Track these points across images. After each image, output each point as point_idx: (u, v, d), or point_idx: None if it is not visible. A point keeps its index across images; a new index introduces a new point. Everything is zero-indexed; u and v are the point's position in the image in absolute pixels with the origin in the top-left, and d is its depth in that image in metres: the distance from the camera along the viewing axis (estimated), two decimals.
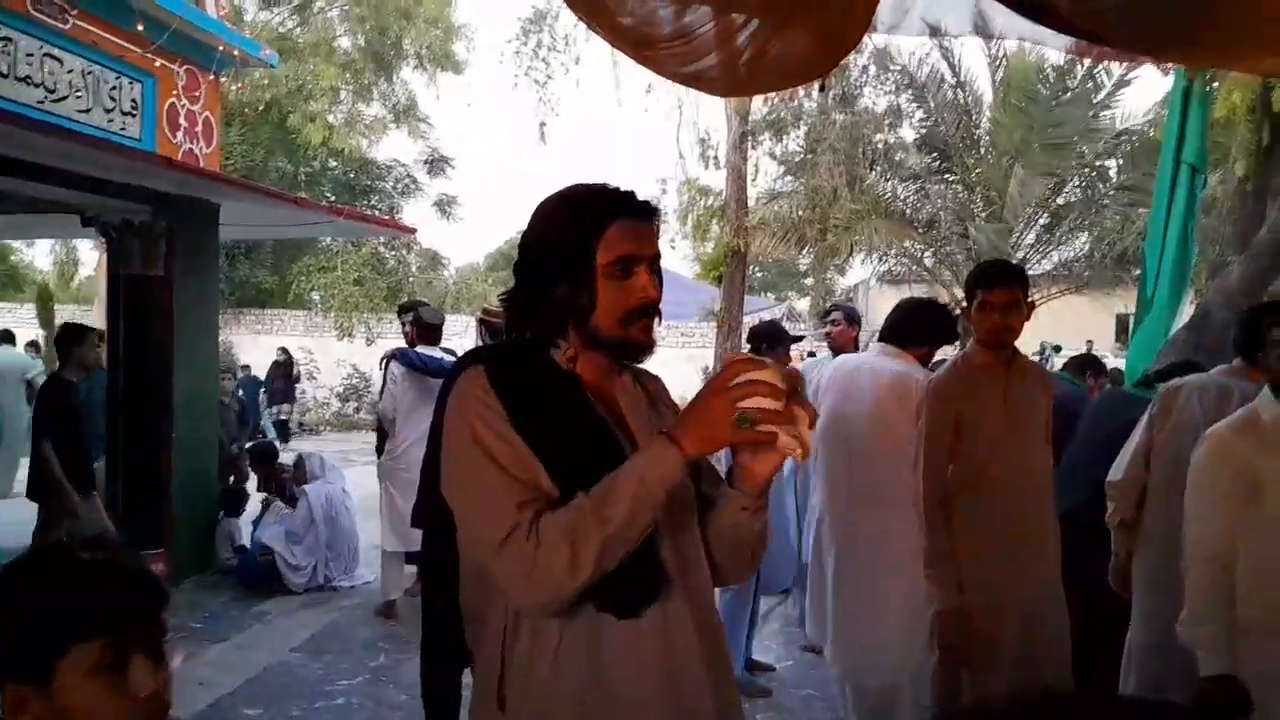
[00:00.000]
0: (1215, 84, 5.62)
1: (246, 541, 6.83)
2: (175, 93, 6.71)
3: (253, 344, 19.09)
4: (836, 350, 5.28)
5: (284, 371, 16.53)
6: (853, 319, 5.39)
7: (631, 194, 1.50)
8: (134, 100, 6.36)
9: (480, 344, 4.67)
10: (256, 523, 6.89)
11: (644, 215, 1.49)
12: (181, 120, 6.77)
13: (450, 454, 1.44)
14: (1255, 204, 5.97)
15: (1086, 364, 5.50)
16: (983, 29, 3.43)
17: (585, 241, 1.44)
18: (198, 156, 6.92)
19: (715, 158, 15.20)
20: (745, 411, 1.28)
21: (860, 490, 3.60)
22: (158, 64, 6.40)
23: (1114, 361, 5.64)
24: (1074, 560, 3.10)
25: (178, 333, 6.40)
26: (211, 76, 6.97)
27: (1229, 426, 2.42)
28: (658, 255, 1.50)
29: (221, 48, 6.67)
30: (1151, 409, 3.35)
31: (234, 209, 6.76)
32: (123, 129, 6.24)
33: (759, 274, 27.48)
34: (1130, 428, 3.43)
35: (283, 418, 16.20)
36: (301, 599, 6.28)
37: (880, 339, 3.77)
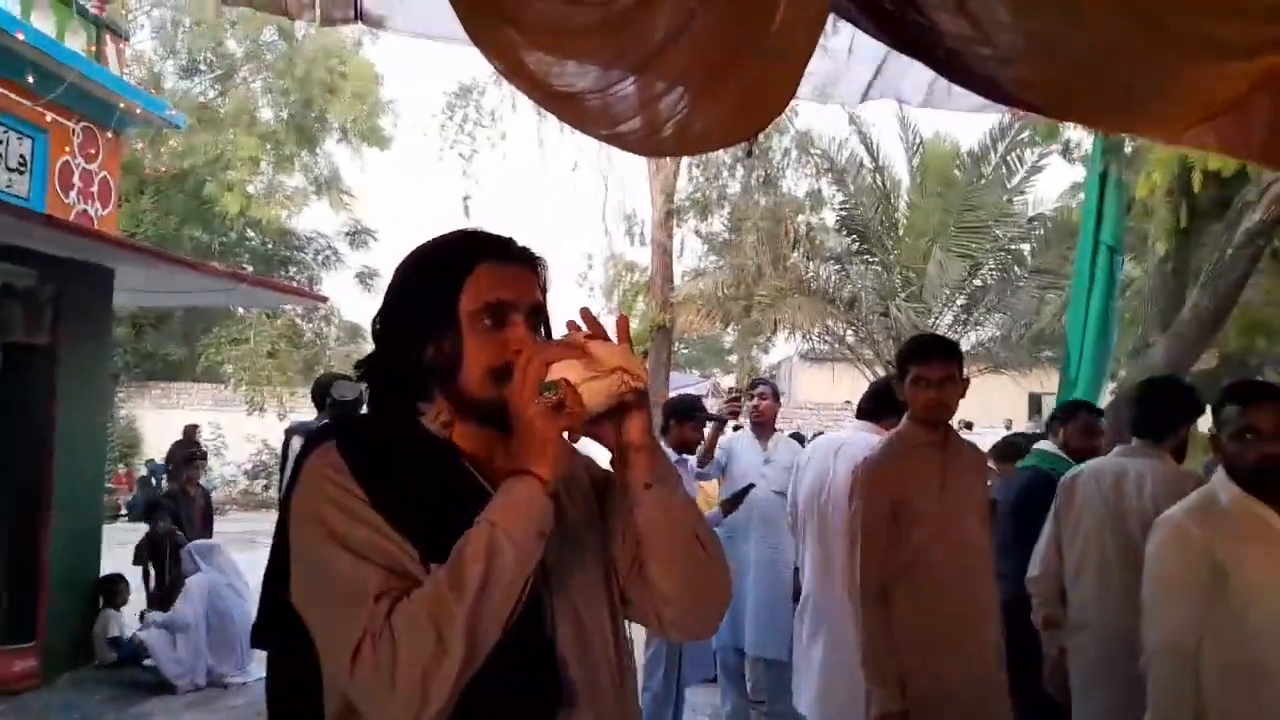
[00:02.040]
0: (1125, 172, 5.75)
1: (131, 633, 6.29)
2: (69, 150, 6.34)
3: (159, 419, 18.26)
4: (760, 424, 5.19)
5: (188, 452, 15.47)
6: (777, 395, 5.34)
7: (505, 238, 1.31)
8: (22, 156, 5.98)
9: None
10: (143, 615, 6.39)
11: (520, 259, 1.29)
12: (76, 180, 6.39)
13: (298, 553, 1.18)
14: (1176, 284, 6.07)
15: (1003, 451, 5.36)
16: (907, 99, 3.37)
17: (448, 287, 1.24)
18: (93, 218, 6.54)
19: (641, 234, 15.29)
20: (543, 387, 1.15)
21: (835, 569, 3.52)
22: (49, 119, 6.03)
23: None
24: (1013, 649, 2.94)
25: (62, 408, 5.92)
26: (110, 134, 6.62)
27: (1185, 511, 2.27)
28: (540, 306, 1.29)
29: (122, 105, 6.35)
30: (1056, 501, 3.33)
31: (135, 275, 6.36)
32: (8, 186, 5.85)
33: (684, 350, 27.55)
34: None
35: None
36: (187, 698, 5.78)
37: (856, 417, 3.81)
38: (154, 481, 15.55)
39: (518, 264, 1.29)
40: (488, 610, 1.08)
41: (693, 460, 4.76)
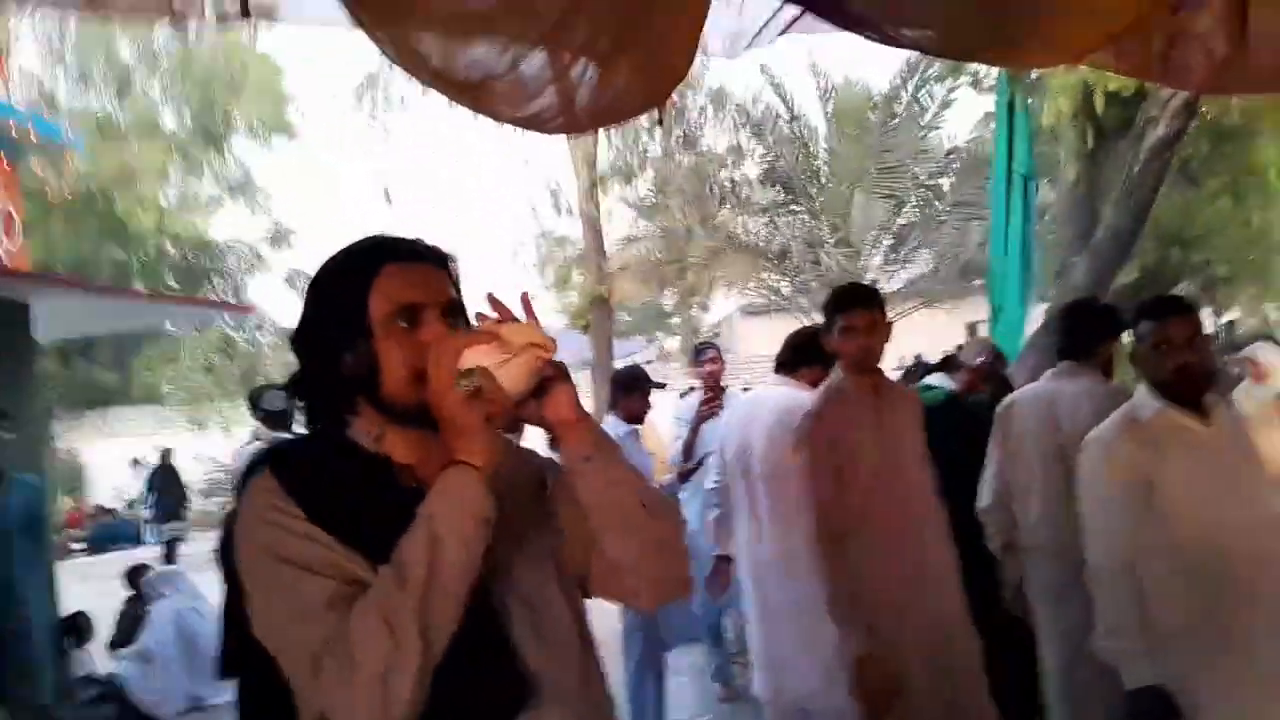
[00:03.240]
0: (1030, 99, 5.87)
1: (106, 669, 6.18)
2: None
3: (102, 449, 17.75)
4: (712, 387, 5.23)
5: (171, 479, 14.17)
6: (721, 355, 5.41)
7: (410, 240, 1.30)
8: None
9: None
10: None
11: (428, 258, 1.29)
12: None
13: (249, 581, 1.19)
14: (1088, 205, 6.24)
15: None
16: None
17: (357, 294, 1.24)
18: None
19: (568, 206, 15.23)
20: (458, 378, 1.15)
21: (764, 519, 3.52)
22: None
23: None
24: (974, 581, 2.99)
25: None
26: (5, 163, 6.33)
27: (1109, 428, 2.36)
28: (454, 303, 1.29)
29: (14, 131, 6.09)
30: (995, 430, 3.42)
31: (54, 307, 6.15)
32: None
33: (625, 318, 27.51)
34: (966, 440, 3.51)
35: (176, 536, 13.55)
36: None
37: (775, 370, 3.78)
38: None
39: (426, 263, 1.28)
40: (437, 602, 1.10)
41: (656, 441, 4.80)
